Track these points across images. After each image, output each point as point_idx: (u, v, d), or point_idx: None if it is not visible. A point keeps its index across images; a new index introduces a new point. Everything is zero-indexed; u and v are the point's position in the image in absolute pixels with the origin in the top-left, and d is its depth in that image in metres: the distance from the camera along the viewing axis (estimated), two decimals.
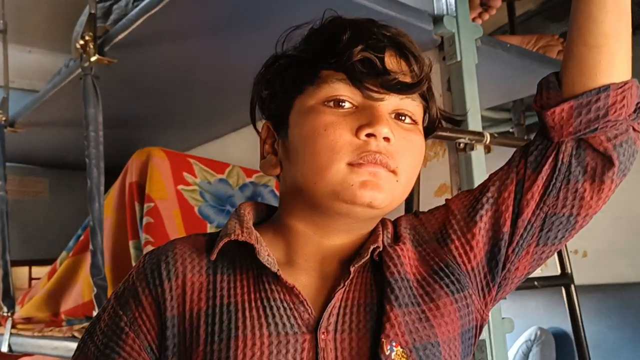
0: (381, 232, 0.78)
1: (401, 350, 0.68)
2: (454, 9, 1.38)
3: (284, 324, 0.69)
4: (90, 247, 1.37)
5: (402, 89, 0.71)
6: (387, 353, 0.67)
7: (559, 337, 3.04)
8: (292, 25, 0.79)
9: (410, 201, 1.23)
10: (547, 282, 1.46)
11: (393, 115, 0.72)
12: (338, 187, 0.69)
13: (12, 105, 1.99)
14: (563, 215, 0.75)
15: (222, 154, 2.06)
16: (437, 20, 1.36)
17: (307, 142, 0.71)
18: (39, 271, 2.48)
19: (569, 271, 1.49)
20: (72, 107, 1.78)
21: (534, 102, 0.78)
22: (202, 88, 1.71)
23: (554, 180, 0.74)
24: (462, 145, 1.35)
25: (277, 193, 1.46)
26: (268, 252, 0.72)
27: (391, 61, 0.72)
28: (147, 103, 1.82)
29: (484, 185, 0.79)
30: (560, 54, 1.75)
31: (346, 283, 0.72)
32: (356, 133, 0.69)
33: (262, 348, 0.67)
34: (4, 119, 1.94)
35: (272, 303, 0.70)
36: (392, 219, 0.84)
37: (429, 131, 0.80)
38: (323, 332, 0.69)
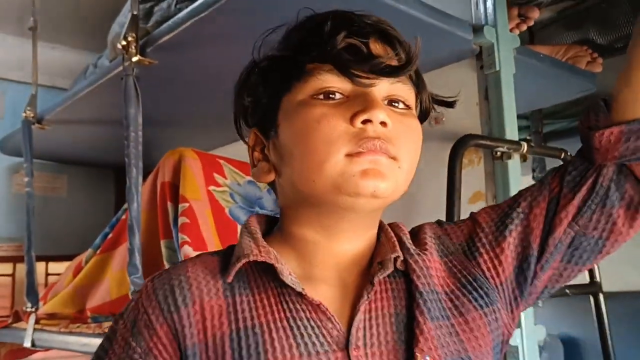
0: (394, 237, 0.76)
1: None
2: (493, 19, 1.40)
3: (313, 343, 0.66)
4: (128, 245, 1.39)
5: (392, 71, 0.68)
6: None
7: (568, 343, 3.06)
8: (268, 29, 0.77)
9: (451, 208, 1.24)
10: (577, 290, 1.48)
11: (386, 102, 0.70)
12: (339, 180, 0.65)
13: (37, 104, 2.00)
14: (592, 237, 0.75)
15: (242, 155, 2.06)
16: (477, 29, 1.38)
17: (300, 138, 0.68)
18: (56, 267, 2.48)
19: (598, 280, 1.51)
20: (102, 106, 1.80)
21: (580, 123, 0.78)
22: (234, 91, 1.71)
23: (589, 202, 0.74)
24: (499, 153, 1.37)
25: None
26: (289, 271, 0.69)
27: (376, 47, 0.69)
28: (178, 105, 1.82)
29: (514, 200, 0.79)
30: (589, 65, 1.78)
31: (370, 295, 0.69)
32: (351, 121, 0.66)
33: None
34: (32, 115, 1.95)
35: (299, 322, 0.67)
36: (414, 226, 0.82)
37: (422, 117, 0.77)
38: (354, 348, 0.66)
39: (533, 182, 0.81)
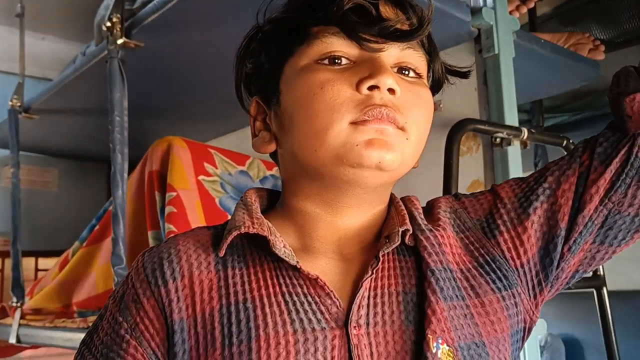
0: (404, 210, 0.71)
1: (447, 348, 0.60)
2: (492, 0, 1.35)
3: (309, 320, 0.61)
4: (112, 235, 1.34)
5: (403, 35, 0.64)
6: (434, 351, 0.60)
7: (569, 343, 3.03)
8: None
9: (448, 193, 1.19)
10: (580, 284, 1.42)
11: (395, 70, 0.65)
12: (341, 150, 0.61)
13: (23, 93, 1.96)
14: (628, 214, 0.69)
15: (238, 146, 2.03)
16: (475, 11, 1.34)
17: (302, 105, 0.64)
18: (46, 262, 2.45)
19: (602, 273, 1.46)
20: (90, 94, 1.76)
21: (610, 91, 0.72)
22: (227, 79, 1.67)
23: (623, 176, 0.68)
24: (498, 140, 1.32)
25: None
26: (284, 243, 0.65)
27: (386, 10, 0.65)
28: (168, 92, 1.79)
29: (541, 174, 0.72)
30: (591, 52, 1.73)
31: (374, 270, 0.65)
32: (357, 87, 0.62)
33: (288, 347, 0.60)
34: (18, 104, 1.91)
35: (295, 298, 0.63)
36: (429, 200, 0.77)
37: (434, 89, 0.73)
38: (354, 327, 0.61)
39: None
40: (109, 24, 1.34)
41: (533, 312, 0.70)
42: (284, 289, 0.63)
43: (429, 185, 1.32)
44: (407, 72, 0.66)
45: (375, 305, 0.63)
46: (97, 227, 1.73)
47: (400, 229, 0.67)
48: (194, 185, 1.55)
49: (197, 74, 1.62)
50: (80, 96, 1.80)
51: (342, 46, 0.64)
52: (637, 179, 0.68)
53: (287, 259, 0.63)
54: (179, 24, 1.33)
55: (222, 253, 0.66)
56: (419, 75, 0.67)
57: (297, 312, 0.62)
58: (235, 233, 0.65)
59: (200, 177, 1.58)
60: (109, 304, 0.69)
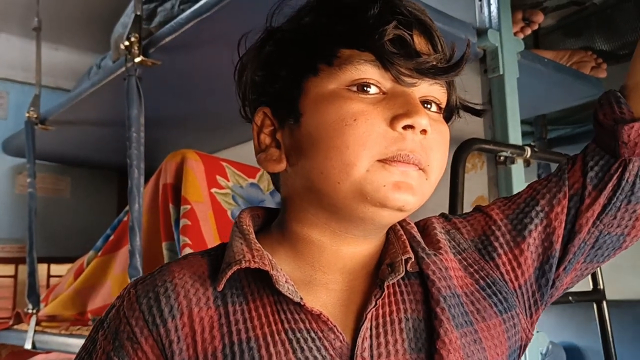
0: (403, 235, 0.70)
1: None
2: (497, 22, 1.40)
3: (315, 357, 0.60)
4: (129, 247, 1.38)
5: (438, 73, 0.62)
6: None
7: (571, 351, 3.05)
8: None
9: (454, 214, 1.23)
10: (580, 297, 1.46)
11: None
12: (367, 187, 0.60)
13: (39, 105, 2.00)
14: (615, 234, 0.72)
15: (248, 156, 2.06)
16: (481, 33, 1.38)
17: (330, 133, 0.60)
18: (58, 269, 2.48)
19: (602, 287, 1.50)
20: (105, 107, 1.80)
21: (602, 114, 0.73)
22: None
23: (614, 199, 0.71)
24: (502, 158, 1.36)
25: None
26: (285, 278, 0.62)
27: (419, 41, 0.63)
28: (181, 106, 1.83)
29: (530, 197, 0.74)
30: (593, 70, 1.77)
31: (378, 302, 0.64)
32: (391, 123, 0.60)
33: None
34: (35, 116, 1.95)
35: (299, 334, 0.61)
36: (418, 221, 0.76)
37: (446, 119, 0.71)
38: None
39: None
40: (127, 43, 1.38)
41: (529, 330, 0.72)
42: (286, 325, 0.61)
43: (433, 203, 1.36)
44: (429, 106, 0.65)
45: (377, 336, 0.62)
46: (112, 237, 1.77)
47: (403, 258, 0.66)
48: (207, 198, 1.59)
49: (210, 88, 1.66)
50: (96, 109, 1.83)
51: (375, 75, 0.62)
52: (626, 202, 0.71)
53: (291, 297, 0.61)
54: (195, 44, 1.37)
55: (220, 288, 0.63)
56: (440, 110, 0.67)
57: (302, 350, 0.60)
58: (235, 268, 0.62)
59: (213, 190, 1.62)
60: (97, 337, 0.65)
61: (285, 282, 0.62)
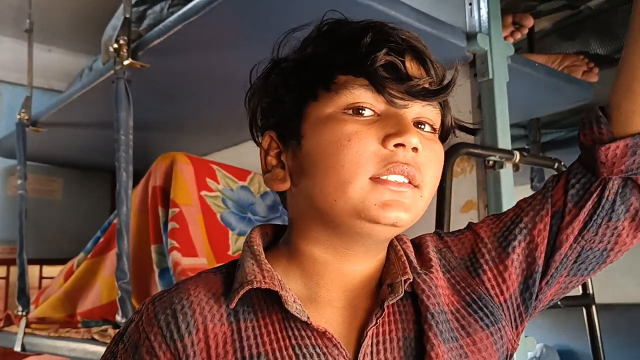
0: (403, 255, 0.74)
1: None
2: (487, 26, 1.39)
3: None
4: (117, 250, 1.38)
5: (428, 95, 0.66)
6: None
7: (564, 355, 3.06)
8: (290, 28, 0.74)
9: (441, 217, 1.23)
10: (570, 302, 1.46)
11: (413, 124, 0.67)
12: (360, 206, 0.64)
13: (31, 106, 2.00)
14: (598, 249, 0.75)
15: (237, 159, 2.06)
16: (471, 37, 1.38)
17: (327, 153, 0.65)
18: (50, 270, 2.49)
19: (591, 292, 1.49)
20: (97, 109, 1.79)
21: (582, 135, 0.76)
22: (227, 96, 1.71)
23: (595, 217, 0.73)
24: (491, 162, 1.36)
25: None
26: (294, 298, 0.66)
27: (412, 66, 0.67)
28: (171, 108, 1.83)
29: (515, 214, 0.77)
30: (585, 75, 1.77)
31: (379, 321, 0.68)
32: (383, 142, 0.64)
33: None
34: (26, 118, 1.95)
35: (305, 350, 0.65)
36: (413, 237, 0.80)
37: (442, 139, 0.74)
38: None
39: (531, 192, 0.79)
40: (116, 45, 1.38)
41: (515, 341, 0.75)
42: (294, 341, 0.65)
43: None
44: (422, 127, 0.69)
45: (377, 353, 0.66)
46: (101, 240, 1.77)
47: (403, 279, 0.69)
48: (197, 201, 1.59)
49: (200, 91, 1.66)
50: (87, 111, 1.83)
51: (369, 99, 0.65)
52: (606, 219, 0.73)
53: (298, 316, 0.65)
54: (184, 46, 1.37)
55: (232, 305, 0.67)
56: (433, 130, 0.70)
57: None
58: (247, 288, 0.66)
59: (203, 193, 1.62)
60: (117, 350, 0.69)
61: (294, 301, 0.66)
